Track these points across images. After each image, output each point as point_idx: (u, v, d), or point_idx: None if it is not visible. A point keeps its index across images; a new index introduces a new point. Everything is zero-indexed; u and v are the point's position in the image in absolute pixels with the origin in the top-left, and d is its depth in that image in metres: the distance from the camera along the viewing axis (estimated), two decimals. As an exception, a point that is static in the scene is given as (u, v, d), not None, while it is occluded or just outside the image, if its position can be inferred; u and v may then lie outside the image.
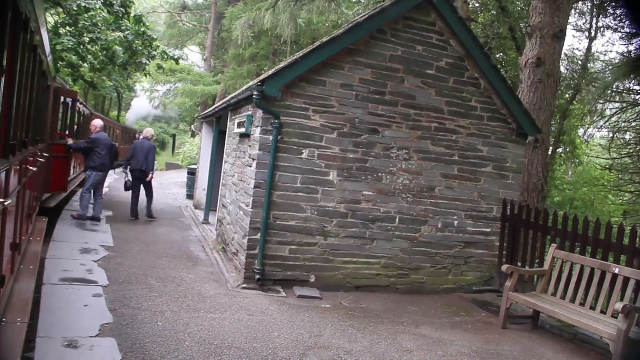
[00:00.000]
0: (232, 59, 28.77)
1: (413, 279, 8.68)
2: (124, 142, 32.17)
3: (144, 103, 46.52)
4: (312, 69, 7.80)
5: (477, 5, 20.53)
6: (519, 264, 8.57)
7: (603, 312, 6.55)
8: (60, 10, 15.22)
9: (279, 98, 7.67)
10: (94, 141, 11.15)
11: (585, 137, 23.90)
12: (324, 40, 8.40)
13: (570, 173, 27.02)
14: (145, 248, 9.36)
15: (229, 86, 26.35)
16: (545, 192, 14.20)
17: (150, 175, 12.42)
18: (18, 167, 5.05)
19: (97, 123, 11.81)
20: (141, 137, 13.14)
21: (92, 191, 11.23)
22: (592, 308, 6.71)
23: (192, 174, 17.88)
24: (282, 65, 9.07)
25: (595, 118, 21.77)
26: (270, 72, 8.51)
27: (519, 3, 19.11)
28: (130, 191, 12.44)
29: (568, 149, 23.30)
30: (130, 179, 12.39)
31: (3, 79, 3.35)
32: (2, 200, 3.49)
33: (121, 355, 4.77)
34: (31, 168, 6.48)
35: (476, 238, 9.03)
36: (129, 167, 12.42)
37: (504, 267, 7.46)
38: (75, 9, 13.43)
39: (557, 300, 7.05)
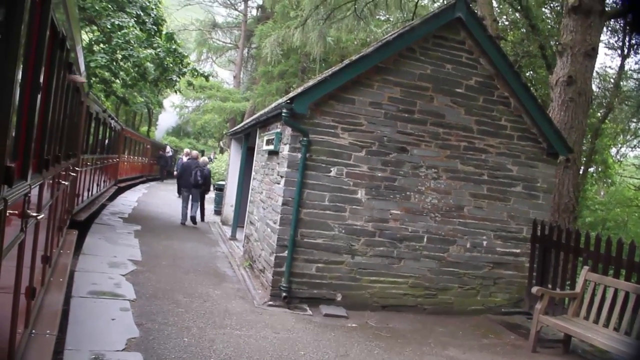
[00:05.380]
0: (261, 76, 29.09)
1: (440, 299, 8.55)
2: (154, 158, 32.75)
3: (170, 118, 47.26)
4: (341, 87, 7.82)
5: (507, 23, 20.39)
6: (549, 286, 8.38)
7: (638, 338, 6.35)
8: (95, 28, 15.60)
9: (308, 116, 7.69)
10: None
11: (618, 157, 23.44)
12: (353, 58, 8.42)
13: (602, 193, 26.48)
14: (172, 263, 9.42)
15: (258, 103, 26.62)
16: (576, 213, 13.92)
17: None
18: (51, 182, 5.14)
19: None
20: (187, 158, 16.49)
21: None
22: (627, 333, 6.51)
23: (220, 189, 18.02)
24: (311, 83, 9.11)
25: (628, 137, 21.43)
26: (300, 90, 8.55)
27: (549, 21, 18.95)
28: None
29: (600, 169, 22.82)
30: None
31: (39, 95, 3.42)
32: (35, 213, 3.54)
33: (147, 371, 4.79)
34: (63, 182, 6.59)
35: (505, 259, 8.87)
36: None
37: (534, 289, 7.32)
38: (109, 27, 13.70)
39: (590, 324, 6.86)
